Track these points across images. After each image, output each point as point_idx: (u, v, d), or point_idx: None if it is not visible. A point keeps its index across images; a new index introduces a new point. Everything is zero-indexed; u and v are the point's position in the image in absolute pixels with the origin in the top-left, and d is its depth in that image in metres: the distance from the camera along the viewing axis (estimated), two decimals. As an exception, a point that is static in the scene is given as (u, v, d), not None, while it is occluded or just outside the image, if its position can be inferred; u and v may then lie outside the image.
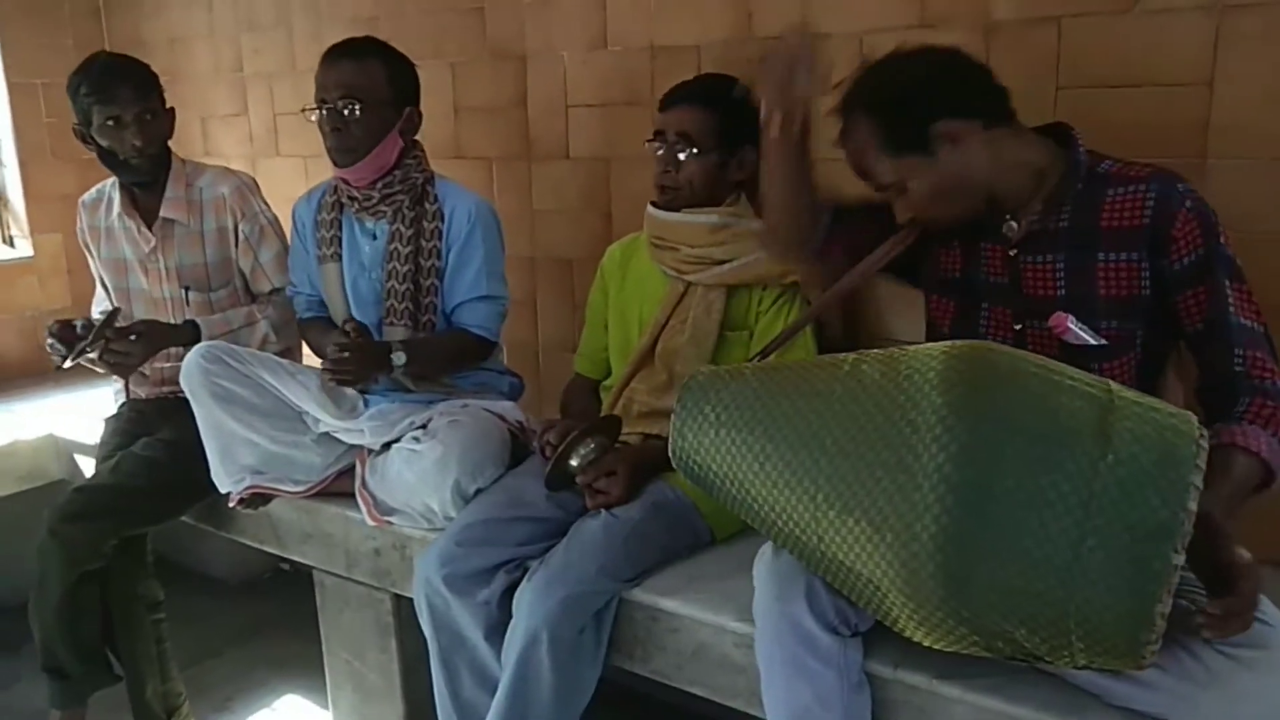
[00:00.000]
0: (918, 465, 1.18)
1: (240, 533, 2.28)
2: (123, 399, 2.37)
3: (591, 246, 2.28)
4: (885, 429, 1.22)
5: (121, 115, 2.11)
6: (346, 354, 1.84)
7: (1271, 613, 1.24)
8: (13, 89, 3.06)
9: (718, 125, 1.83)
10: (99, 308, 2.38)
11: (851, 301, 1.97)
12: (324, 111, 1.93)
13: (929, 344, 1.30)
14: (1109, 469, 1.12)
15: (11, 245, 3.22)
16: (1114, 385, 1.21)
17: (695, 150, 1.83)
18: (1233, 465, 1.27)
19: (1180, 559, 1.09)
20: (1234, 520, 1.22)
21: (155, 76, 2.21)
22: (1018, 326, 1.51)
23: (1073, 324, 1.43)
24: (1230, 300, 1.37)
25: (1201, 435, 1.14)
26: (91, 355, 2.03)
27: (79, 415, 2.69)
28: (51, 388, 2.96)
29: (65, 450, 2.64)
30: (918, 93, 1.41)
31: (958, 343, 1.28)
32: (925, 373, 1.23)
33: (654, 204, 1.92)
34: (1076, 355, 1.43)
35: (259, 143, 3.03)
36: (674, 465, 1.41)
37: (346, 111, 1.91)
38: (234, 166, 3.05)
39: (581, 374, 2.13)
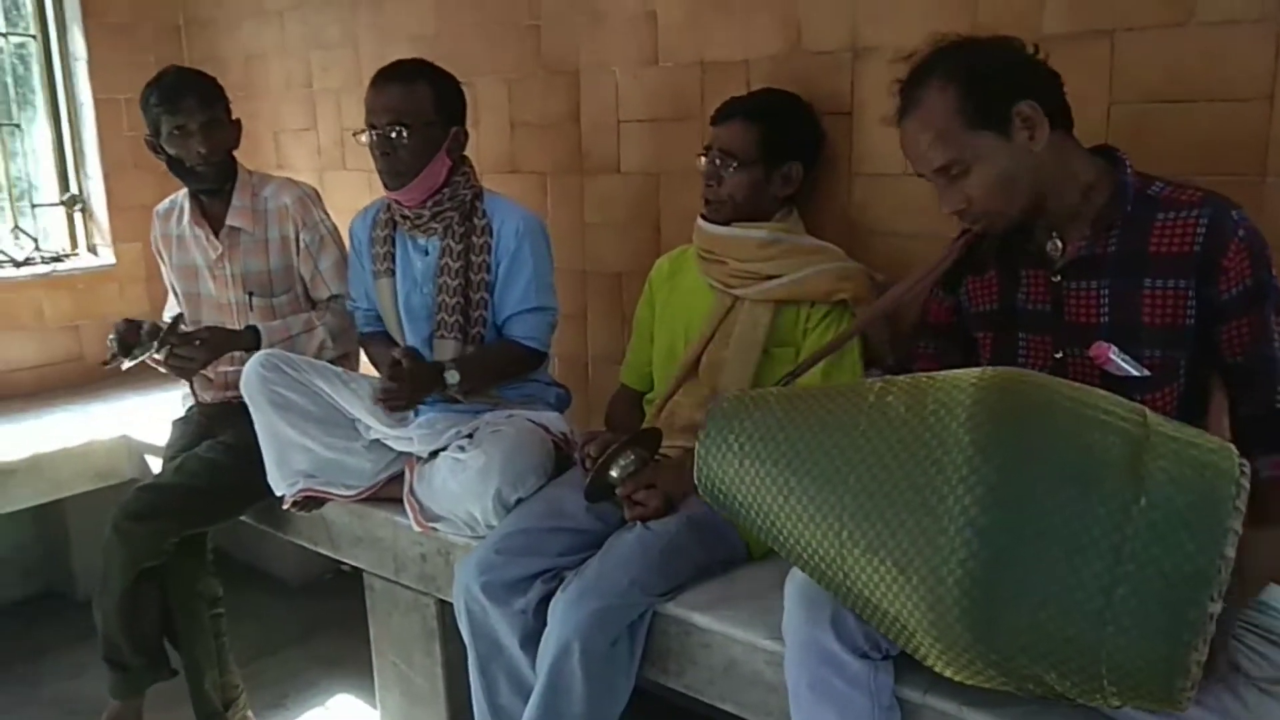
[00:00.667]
0: (942, 508, 1.15)
1: (297, 534, 2.35)
2: (190, 403, 2.46)
3: (640, 260, 2.30)
4: (909, 468, 1.19)
5: (187, 124, 2.20)
6: (396, 384, 1.90)
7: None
8: (98, 104, 3.21)
9: (761, 140, 1.85)
10: (169, 314, 2.49)
11: (899, 318, 1.95)
12: (373, 136, 1.99)
13: (959, 372, 1.27)
14: (1141, 512, 1.08)
15: (95, 253, 3.37)
16: (1150, 417, 1.17)
17: (737, 164, 1.84)
18: None
19: (1217, 607, 1.05)
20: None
21: (221, 89, 2.30)
22: (1058, 355, 1.47)
23: (1114, 354, 1.39)
24: (1275, 335, 1.33)
25: (1243, 474, 1.10)
26: (157, 357, 2.12)
27: (151, 417, 2.80)
28: (127, 390, 3.08)
29: (137, 451, 2.75)
30: (1006, 69, 1.38)
31: (988, 372, 1.25)
32: (953, 408, 1.19)
33: (704, 217, 1.94)
34: (1118, 386, 1.40)
35: (326, 156, 3.12)
36: (699, 492, 1.41)
37: (394, 136, 1.96)
38: (303, 179, 3.16)
39: (627, 385, 2.15)
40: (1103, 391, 1.23)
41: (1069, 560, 1.09)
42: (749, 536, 1.76)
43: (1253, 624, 1.20)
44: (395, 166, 1.99)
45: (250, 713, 2.32)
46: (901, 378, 1.32)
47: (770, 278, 1.86)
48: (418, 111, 1.99)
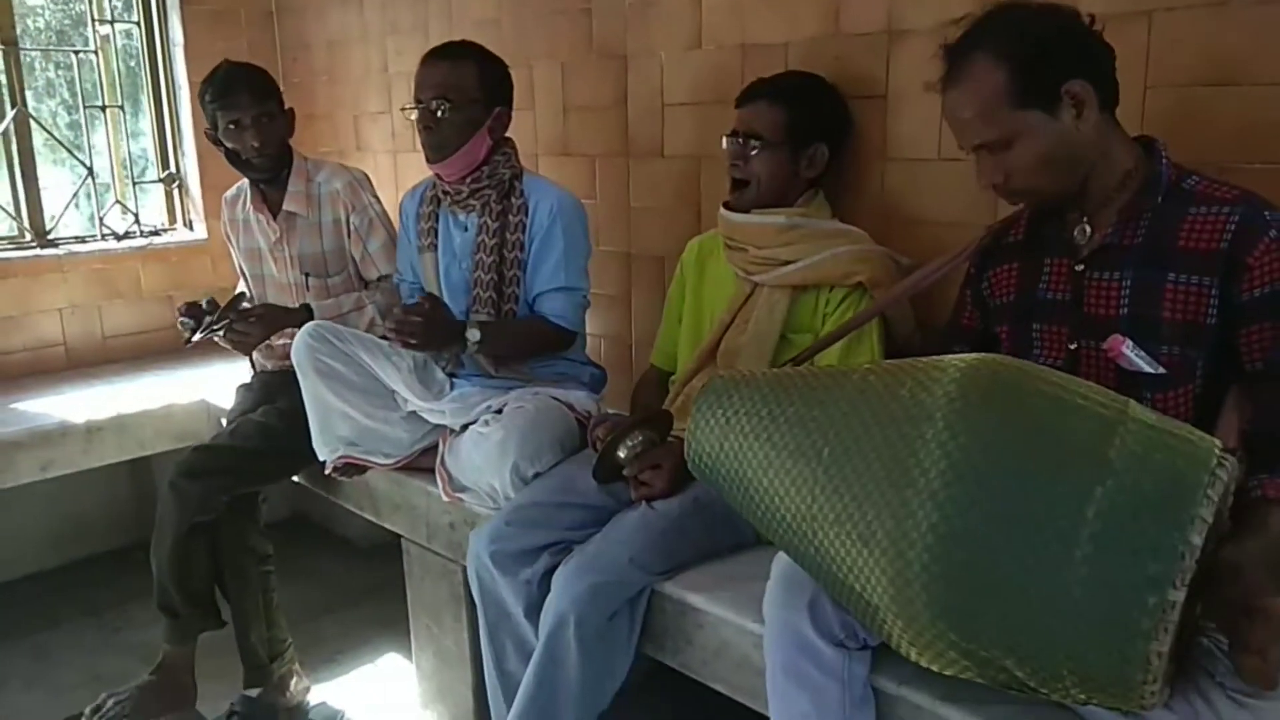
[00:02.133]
0: (907, 481, 1.15)
1: (346, 499, 2.46)
2: (254, 371, 2.60)
3: (682, 243, 2.28)
4: (880, 443, 1.19)
5: (241, 119, 2.31)
6: (414, 316, 1.93)
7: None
8: (194, 87, 3.37)
9: (788, 121, 1.84)
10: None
11: (925, 302, 1.91)
12: (419, 110, 2.05)
13: (944, 358, 1.26)
14: (1105, 495, 1.05)
15: (191, 229, 3.59)
16: (1133, 407, 1.13)
17: (762, 144, 1.84)
18: (1271, 521, 1.17)
19: (1179, 595, 1.01)
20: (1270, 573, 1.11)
21: (273, 82, 2.40)
22: (1073, 346, 1.43)
23: (1128, 349, 1.35)
24: None
25: (1221, 465, 1.05)
26: (219, 331, 2.26)
27: (229, 383, 2.95)
28: (208, 359, 3.27)
29: (215, 414, 2.91)
30: (1059, 43, 1.32)
31: (970, 357, 1.23)
32: (931, 387, 1.19)
33: (726, 205, 1.94)
34: (1131, 382, 1.35)
35: (399, 138, 3.22)
36: (689, 467, 1.42)
37: (439, 112, 2.03)
38: (379, 160, 3.30)
39: (656, 366, 2.17)
40: (1088, 382, 1.19)
41: (1028, 540, 1.07)
42: (753, 520, 1.76)
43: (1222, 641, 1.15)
44: (436, 140, 2.06)
45: (297, 666, 2.44)
46: (890, 361, 1.32)
47: (788, 263, 1.84)
48: (461, 88, 2.05)
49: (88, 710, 2.23)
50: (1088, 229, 1.41)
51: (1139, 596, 1.02)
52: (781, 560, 1.45)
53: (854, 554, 1.20)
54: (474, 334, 2.00)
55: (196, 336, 2.26)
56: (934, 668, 1.22)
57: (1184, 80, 1.59)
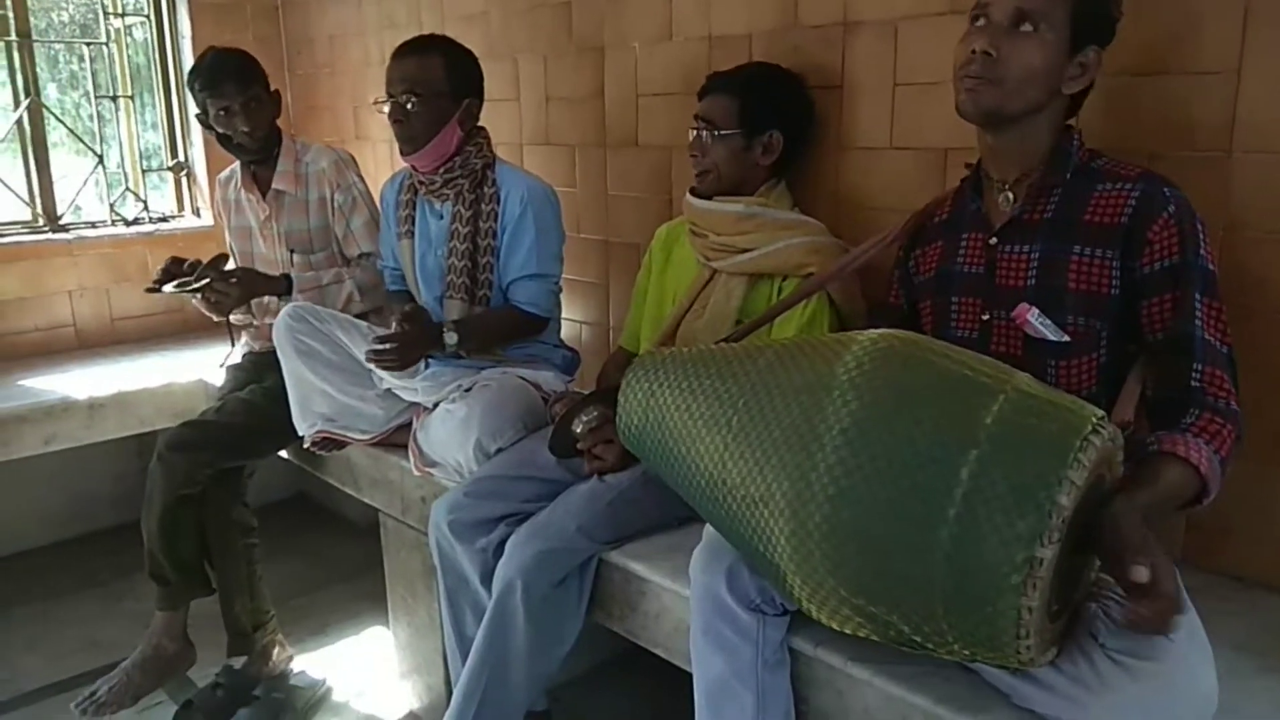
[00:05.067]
0: (803, 446, 1.21)
1: (330, 474, 2.56)
2: (245, 351, 2.71)
3: (655, 230, 2.37)
4: (783, 413, 1.25)
5: (230, 105, 2.42)
6: (387, 346, 2.04)
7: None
8: (201, 79, 3.51)
9: (740, 110, 1.90)
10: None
11: (875, 286, 1.96)
12: (390, 104, 2.13)
13: (850, 334, 1.32)
14: (978, 457, 1.10)
15: (198, 215, 3.70)
16: (1019, 377, 1.19)
17: (718, 133, 1.90)
18: (1164, 473, 1.22)
19: (1047, 552, 1.06)
20: (1152, 528, 1.16)
21: (258, 67, 2.50)
22: (985, 317, 1.49)
23: (1033, 317, 1.40)
24: (1198, 314, 1.32)
25: (1095, 431, 1.10)
26: (196, 288, 2.34)
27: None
28: (209, 341, 3.38)
29: (213, 393, 3.01)
30: (1110, 21, 1.39)
31: (874, 333, 1.30)
32: (834, 361, 1.26)
33: (692, 191, 2.00)
34: (1037, 350, 1.41)
35: (396, 128, 3.31)
36: (619, 438, 1.49)
37: (409, 105, 2.10)
38: (378, 149, 3.39)
39: (624, 348, 2.24)
40: (982, 356, 1.25)
41: (906, 499, 1.13)
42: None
43: (1119, 593, 1.20)
44: (407, 133, 2.14)
45: (280, 637, 2.53)
46: (803, 339, 1.38)
47: (744, 251, 1.90)
48: (429, 81, 2.12)
49: (74, 707, 2.26)
50: (1010, 195, 1.46)
51: (1008, 552, 1.07)
52: (708, 528, 1.52)
53: (756, 516, 1.27)
54: (451, 337, 2.09)
55: (167, 288, 2.33)
56: (834, 625, 1.28)
57: (1114, 70, 1.62)
